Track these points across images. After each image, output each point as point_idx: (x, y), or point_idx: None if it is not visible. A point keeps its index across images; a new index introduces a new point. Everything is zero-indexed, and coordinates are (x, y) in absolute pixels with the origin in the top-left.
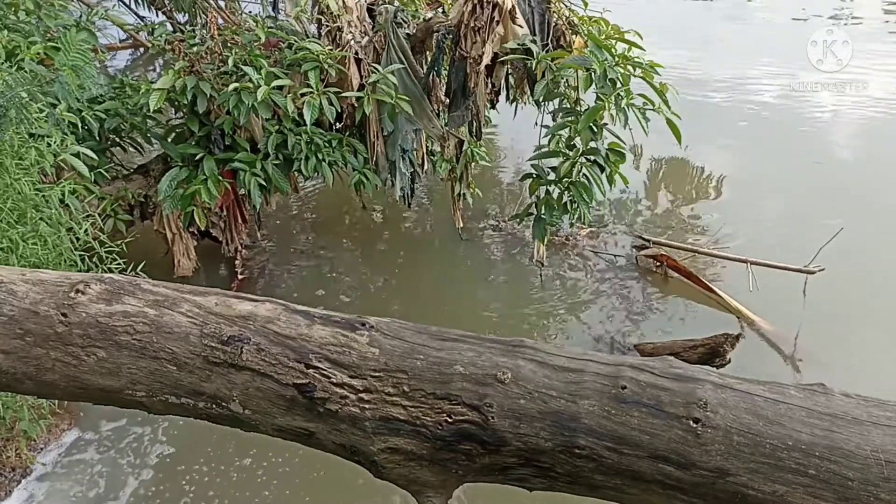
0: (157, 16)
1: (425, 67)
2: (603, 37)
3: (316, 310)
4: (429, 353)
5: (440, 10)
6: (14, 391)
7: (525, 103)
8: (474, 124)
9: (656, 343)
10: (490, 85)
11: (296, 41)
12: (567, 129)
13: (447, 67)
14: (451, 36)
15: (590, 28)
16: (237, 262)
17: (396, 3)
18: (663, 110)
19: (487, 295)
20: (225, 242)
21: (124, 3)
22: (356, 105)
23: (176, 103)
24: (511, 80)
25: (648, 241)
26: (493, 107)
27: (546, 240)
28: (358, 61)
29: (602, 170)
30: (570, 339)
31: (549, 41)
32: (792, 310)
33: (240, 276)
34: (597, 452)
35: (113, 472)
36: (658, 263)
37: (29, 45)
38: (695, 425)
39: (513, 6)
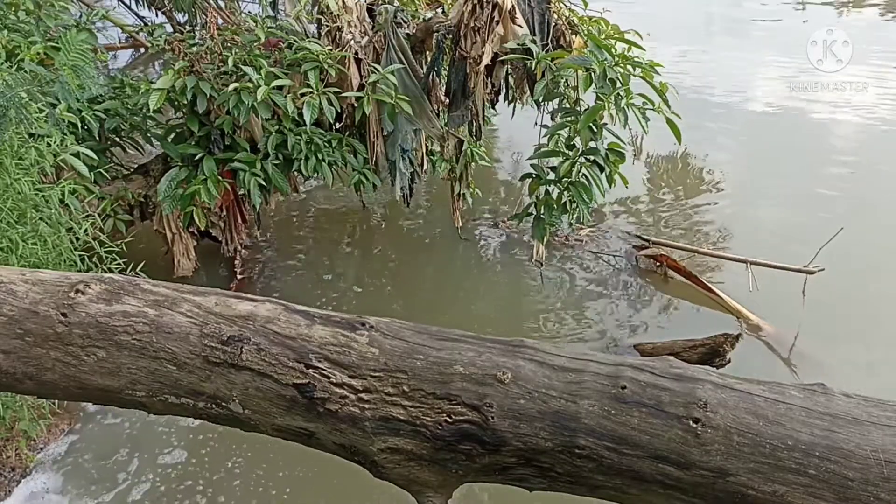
0: (157, 16)
1: (425, 67)
2: (603, 37)
3: (316, 310)
4: (429, 353)
5: (440, 10)
6: (14, 391)
7: (524, 103)
8: (474, 124)
9: (656, 343)
10: (490, 85)
11: (296, 41)
12: (567, 129)
13: (447, 67)
14: (450, 36)
15: (590, 28)
16: (237, 262)
17: (396, 3)
18: (663, 110)
19: (487, 295)
20: (225, 242)
21: (124, 4)
22: (356, 105)
23: (176, 103)
24: (511, 80)
25: (648, 241)
26: (493, 107)
27: (545, 240)
28: (358, 61)
29: (602, 170)
30: (569, 338)
31: (549, 41)
32: (791, 310)
33: (239, 276)
34: (597, 452)
35: (114, 470)
36: (658, 263)
37: (29, 45)
38: (695, 425)
39: (513, 6)
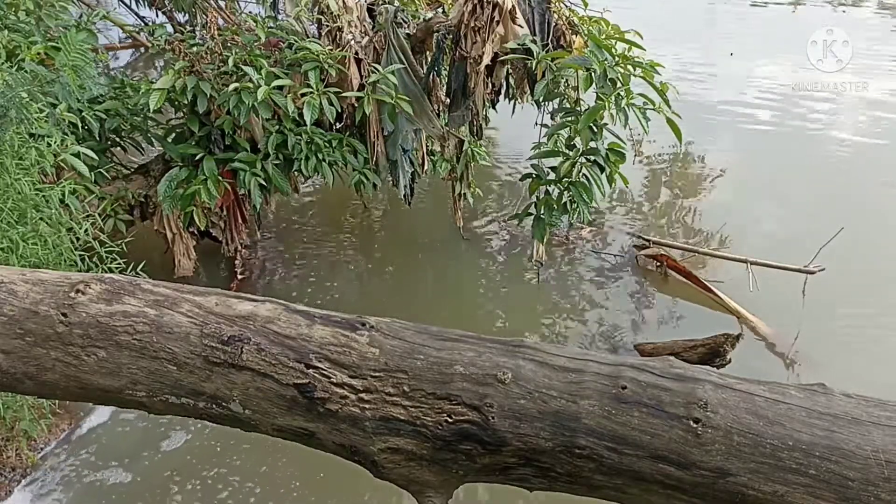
0: (158, 16)
1: (425, 67)
2: (603, 37)
3: (316, 310)
4: (429, 353)
5: (440, 10)
6: (14, 391)
7: (525, 102)
8: (474, 124)
9: (656, 343)
10: (490, 85)
11: (296, 41)
12: (567, 129)
13: (447, 67)
14: (451, 36)
15: (590, 28)
16: (237, 262)
17: (396, 3)
18: (664, 110)
19: (487, 294)
20: (225, 242)
21: (125, 4)
22: (356, 105)
23: (176, 103)
24: (511, 79)
25: (648, 241)
26: (493, 106)
27: (545, 239)
28: (358, 61)
29: (602, 170)
30: (569, 338)
31: (549, 41)
32: (792, 310)
33: (240, 276)
34: (597, 452)
35: (115, 470)
36: (658, 263)
37: (29, 45)
38: (695, 425)
39: (513, 6)
